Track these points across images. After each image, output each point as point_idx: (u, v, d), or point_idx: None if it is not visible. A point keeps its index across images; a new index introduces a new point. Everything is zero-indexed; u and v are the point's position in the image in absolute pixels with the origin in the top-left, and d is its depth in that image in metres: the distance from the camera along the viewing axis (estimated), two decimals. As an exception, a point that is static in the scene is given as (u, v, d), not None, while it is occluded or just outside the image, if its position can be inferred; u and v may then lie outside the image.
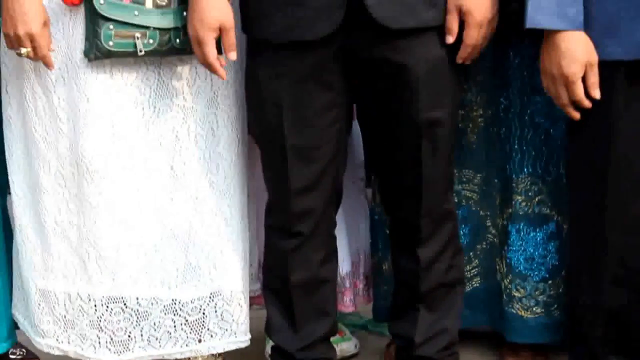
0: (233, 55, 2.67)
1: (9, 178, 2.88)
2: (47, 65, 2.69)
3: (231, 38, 2.66)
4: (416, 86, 2.66)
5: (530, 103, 2.93)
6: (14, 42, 2.67)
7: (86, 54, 2.69)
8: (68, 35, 2.72)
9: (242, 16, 2.76)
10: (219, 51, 2.67)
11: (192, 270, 2.86)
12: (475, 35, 2.65)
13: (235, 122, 2.86)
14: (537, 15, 2.54)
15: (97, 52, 2.67)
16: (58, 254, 2.85)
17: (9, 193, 2.94)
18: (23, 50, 2.66)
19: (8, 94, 2.84)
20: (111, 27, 2.66)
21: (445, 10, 2.65)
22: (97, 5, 2.64)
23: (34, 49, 2.66)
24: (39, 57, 2.67)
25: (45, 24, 2.66)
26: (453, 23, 2.65)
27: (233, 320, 2.87)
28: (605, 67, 2.56)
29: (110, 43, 2.66)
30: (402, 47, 2.64)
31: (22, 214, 2.89)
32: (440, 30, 2.67)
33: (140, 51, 2.67)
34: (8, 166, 2.88)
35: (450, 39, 2.66)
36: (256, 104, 2.77)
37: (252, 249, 3.01)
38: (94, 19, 2.66)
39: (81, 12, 2.69)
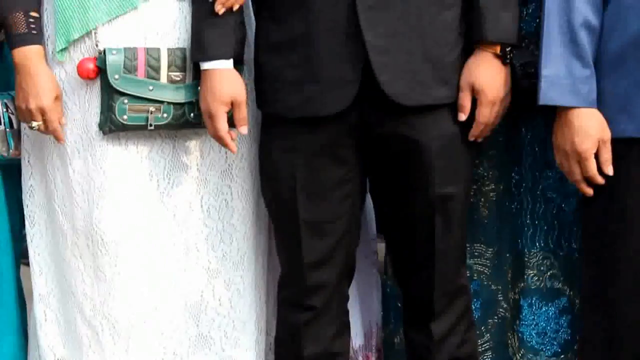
0: (244, 130, 2.65)
1: (29, 249, 2.84)
2: (57, 139, 2.67)
3: (243, 112, 2.63)
4: (429, 162, 2.61)
5: (542, 178, 2.88)
6: (26, 116, 2.65)
7: (101, 127, 2.66)
8: (84, 109, 2.69)
9: (256, 91, 2.72)
10: (231, 125, 2.63)
11: (204, 340, 2.82)
12: (487, 114, 2.61)
13: (250, 194, 2.82)
14: (550, 92, 2.50)
15: (111, 126, 2.64)
16: (75, 324, 2.79)
17: (23, 264, 2.90)
18: (34, 124, 2.63)
19: (30, 165, 2.81)
20: (126, 101, 2.63)
21: (457, 88, 2.62)
22: (112, 80, 2.61)
23: (45, 122, 2.63)
24: (50, 131, 2.65)
25: (57, 98, 2.64)
26: (465, 101, 2.62)
27: (245, 389, 2.82)
28: (618, 144, 2.51)
29: (125, 117, 2.63)
30: (415, 123, 2.61)
31: (42, 283, 2.84)
32: (453, 106, 2.63)
33: (150, 125, 2.64)
34: (28, 236, 2.84)
35: (463, 117, 2.62)
36: (269, 178, 2.73)
37: (270, 319, 2.95)
38: (109, 93, 2.63)
39: (97, 85, 2.66)
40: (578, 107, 2.50)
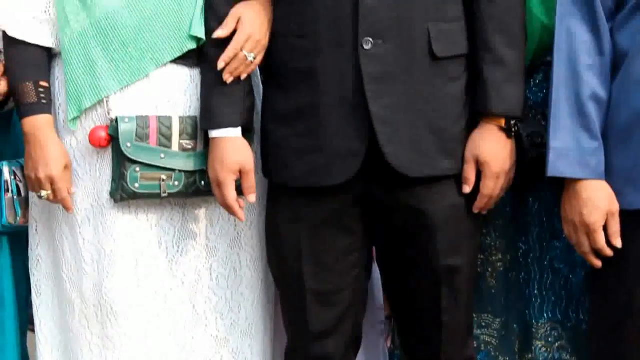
0: (252, 198, 2.62)
1: (35, 318, 2.80)
2: (66, 208, 2.64)
3: (251, 180, 2.61)
4: (435, 233, 2.58)
5: (550, 248, 2.85)
6: (35, 185, 2.63)
7: (112, 195, 2.63)
8: (95, 177, 2.66)
9: (262, 160, 2.71)
10: (239, 193, 2.61)
11: (210, 404, 2.78)
12: (492, 186, 2.58)
13: (259, 263, 2.79)
14: (558, 164, 2.47)
15: (122, 194, 2.61)
16: None
17: (30, 330, 2.87)
18: (43, 193, 2.61)
19: (38, 234, 2.77)
20: (137, 169, 2.60)
21: (462, 160, 2.60)
22: (124, 148, 2.59)
23: (54, 191, 2.61)
24: (59, 200, 2.62)
25: (67, 167, 2.62)
26: (470, 173, 2.59)
27: None
28: (627, 216, 2.47)
29: (137, 185, 2.60)
30: (421, 194, 2.58)
31: (48, 353, 2.79)
32: (458, 178, 2.61)
33: (165, 193, 2.62)
34: (34, 306, 2.80)
35: (467, 189, 2.60)
36: (276, 248, 2.69)
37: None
38: (121, 161, 2.60)
39: (109, 153, 2.64)
40: (586, 179, 2.47)
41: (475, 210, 2.61)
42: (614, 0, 2.49)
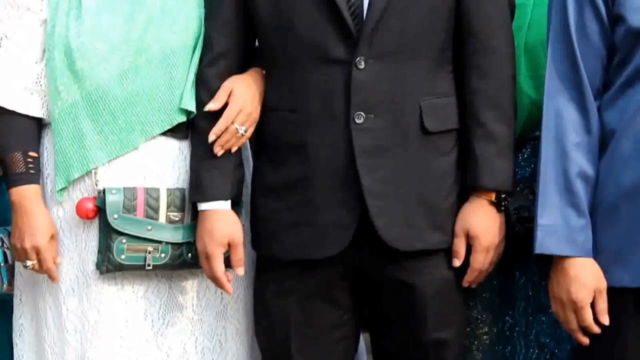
0: (241, 271, 2.61)
1: None
2: (52, 278, 2.61)
3: (239, 253, 2.59)
4: (424, 307, 2.57)
5: (536, 322, 2.82)
6: (21, 255, 2.60)
7: (98, 266, 2.60)
8: (81, 247, 2.63)
9: (251, 232, 2.68)
10: (227, 265, 2.59)
11: None
12: (482, 260, 2.58)
13: (244, 336, 2.75)
14: (546, 241, 2.45)
15: (109, 265, 2.58)
16: None
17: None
18: (29, 263, 2.59)
19: (22, 303, 2.73)
20: (124, 240, 2.57)
21: (452, 233, 2.58)
22: (110, 220, 2.56)
23: (39, 261, 2.58)
24: (44, 270, 2.60)
25: (53, 237, 2.60)
26: (460, 247, 2.58)
27: None
28: (614, 293, 2.45)
29: (123, 256, 2.57)
30: (410, 267, 2.56)
31: None
32: (448, 251, 2.59)
33: (149, 265, 2.59)
34: None
35: (457, 263, 2.59)
36: (263, 320, 2.67)
37: None
38: (107, 233, 2.58)
39: (95, 224, 2.61)
40: (574, 257, 2.45)
41: (465, 284, 2.60)
42: (601, 79, 2.50)
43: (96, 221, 2.60)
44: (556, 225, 2.45)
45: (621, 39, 2.45)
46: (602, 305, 2.45)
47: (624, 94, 2.46)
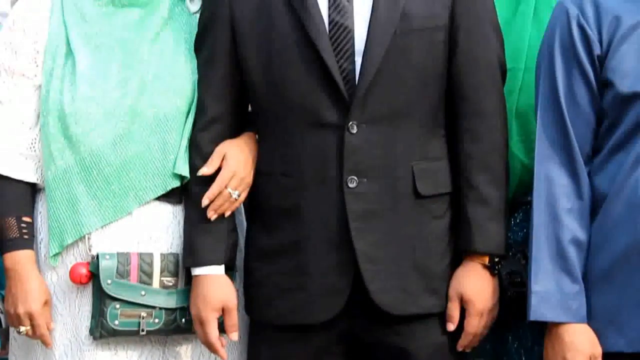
0: (235, 336, 2.59)
1: None
2: (45, 343, 2.58)
3: (233, 318, 2.57)
4: (418, 372, 2.54)
5: (529, 386, 2.80)
6: (14, 320, 2.58)
7: (91, 332, 2.58)
8: (74, 312, 2.61)
9: (245, 297, 2.66)
10: (221, 330, 2.57)
11: None
12: (476, 324, 2.56)
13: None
14: (541, 308, 2.45)
15: (102, 331, 2.56)
16: None
17: None
18: (22, 329, 2.57)
19: None
20: (117, 306, 2.56)
21: (446, 297, 2.57)
22: (104, 285, 2.55)
23: (33, 327, 2.56)
24: (37, 336, 2.57)
25: (47, 303, 2.58)
26: (454, 311, 2.57)
27: None
28: (609, 358, 2.44)
29: (116, 322, 2.55)
30: (404, 331, 2.55)
31: None
32: (442, 315, 2.58)
33: (143, 331, 2.57)
34: None
35: (451, 327, 2.57)
36: (259, 385, 2.64)
37: None
38: (101, 298, 2.56)
39: (88, 289, 2.59)
40: (569, 323, 2.44)
41: (459, 348, 2.59)
42: (591, 144, 2.50)
43: (90, 286, 2.58)
44: (550, 291, 2.45)
45: (610, 104, 2.46)
46: (598, 373, 2.44)
47: (614, 158, 2.46)
